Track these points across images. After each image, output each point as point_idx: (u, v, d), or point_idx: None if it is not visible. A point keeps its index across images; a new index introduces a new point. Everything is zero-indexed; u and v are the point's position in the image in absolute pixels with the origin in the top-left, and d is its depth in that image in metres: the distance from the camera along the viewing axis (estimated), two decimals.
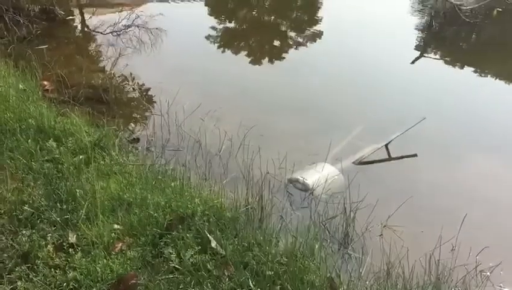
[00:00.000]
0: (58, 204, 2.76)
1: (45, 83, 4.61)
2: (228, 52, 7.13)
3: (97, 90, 4.58)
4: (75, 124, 3.66)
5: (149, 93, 5.07)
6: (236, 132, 4.04)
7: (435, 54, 7.46)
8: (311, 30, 8.31)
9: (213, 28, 7.96)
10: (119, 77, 5.35)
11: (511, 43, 7.96)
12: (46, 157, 3.20)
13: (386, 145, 4.18)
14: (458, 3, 8.42)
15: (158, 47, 6.50)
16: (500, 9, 8.67)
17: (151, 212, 2.73)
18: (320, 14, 9.46)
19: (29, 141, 3.30)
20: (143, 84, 5.25)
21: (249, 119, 4.29)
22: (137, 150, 3.72)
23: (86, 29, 7.62)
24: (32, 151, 3.19)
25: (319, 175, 3.49)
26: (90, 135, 3.60)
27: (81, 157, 3.22)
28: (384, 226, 3.13)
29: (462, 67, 6.98)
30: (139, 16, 7.35)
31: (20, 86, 4.22)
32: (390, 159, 4.15)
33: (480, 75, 6.62)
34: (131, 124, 4.17)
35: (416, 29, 8.35)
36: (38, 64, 4.76)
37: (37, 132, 3.47)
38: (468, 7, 8.55)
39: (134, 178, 3.12)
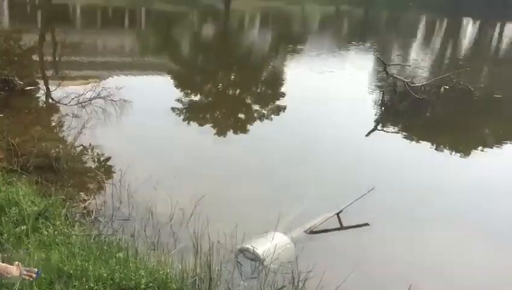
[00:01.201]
0: None
1: None
2: (190, 123, 7.26)
3: (49, 159, 4.51)
4: (21, 193, 3.57)
5: (104, 162, 5.05)
6: (189, 201, 4.02)
7: (388, 127, 7.78)
8: (275, 104, 8.60)
9: (178, 100, 8.13)
10: (77, 146, 5.32)
11: (457, 118, 8.41)
12: None
13: (338, 214, 4.22)
14: (408, 80, 8.96)
15: (122, 118, 6.57)
16: (446, 87, 9.26)
17: (92, 285, 2.63)
18: (284, 89, 9.85)
19: None
20: (100, 154, 5.24)
21: (202, 189, 4.29)
22: (84, 220, 3.62)
23: (50, 100, 7.66)
24: None
25: (270, 244, 3.47)
26: (36, 205, 3.50)
27: (23, 228, 3.12)
28: None
29: (412, 139, 7.29)
30: (105, 88, 7.47)
31: None
32: (342, 228, 4.18)
33: (429, 147, 6.91)
34: (82, 193, 4.09)
35: (372, 105, 8.75)
36: None
37: None
38: (417, 84, 9.10)
39: (77, 249, 3.02)
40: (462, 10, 45.25)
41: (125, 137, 5.97)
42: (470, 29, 34.19)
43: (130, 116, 6.69)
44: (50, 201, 3.61)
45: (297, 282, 3.05)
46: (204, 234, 3.47)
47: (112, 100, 7.13)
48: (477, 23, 38.59)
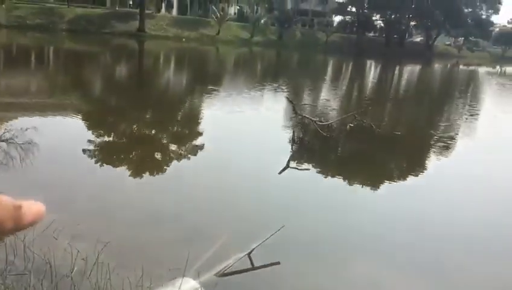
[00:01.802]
0: None
1: None
2: (103, 165, 6.97)
3: None
4: None
5: None
6: (93, 249, 3.80)
7: (299, 164, 8.02)
8: (191, 144, 8.57)
9: (90, 141, 7.81)
10: None
11: (363, 154, 8.91)
12: None
13: (249, 255, 4.21)
14: (316, 119, 9.37)
15: (26, 162, 6.15)
16: (352, 125, 9.81)
17: None
18: (200, 129, 9.86)
19: None
20: None
21: (108, 235, 4.09)
22: None
23: None
24: None
25: None
26: None
27: None
28: None
29: (322, 176, 7.57)
30: (8, 130, 7.01)
31: None
32: (253, 268, 4.16)
33: (338, 183, 7.21)
34: None
35: (283, 144, 9.00)
36: None
37: None
38: (325, 123, 9.55)
39: None
40: (364, 53, 48.88)
41: (28, 182, 5.58)
42: (372, 70, 36.86)
43: (35, 159, 6.29)
44: None
45: None
46: (108, 285, 3.29)
47: (16, 143, 6.69)
48: (379, 65, 41.77)
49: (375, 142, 9.56)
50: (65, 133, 8.50)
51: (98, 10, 42.93)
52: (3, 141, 6.74)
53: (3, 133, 6.93)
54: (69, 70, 18.99)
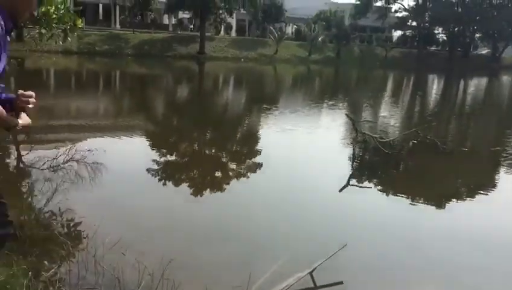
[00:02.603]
0: None
1: None
2: (166, 184, 7.20)
3: (13, 228, 4.36)
4: None
5: (73, 228, 4.92)
6: (158, 265, 3.92)
7: (360, 182, 7.87)
8: (250, 162, 8.69)
9: (154, 160, 8.12)
10: (45, 212, 5.19)
11: (427, 171, 8.60)
12: None
13: (311, 274, 4.16)
14: (377, 136, 9.19)
15: (95, 181, 6.48)
16: (415, 141, 9.52)
17: None
18: (258, 147, 9.99)
19: None
20: (69, 219, 5.11)
21: (173, 252, 4.22)
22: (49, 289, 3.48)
23: (21, 164, 7.55)
24: None
25: None
26: None
27: None
28: None
29: (384, 194, 7.38)
30: (78, 151, 7.43)
31: None
32: (315, 288, 4.11)
33: (401, 201, 6.99)
34: (45, 262, 3.95)
35: (344, 161, 8.90)
36: None
37: None
38: (386, 140, 9.34)
39: None
40: (426, 67, 47.48)
41: (96, 200, 5.87)
42: (435, 84, 35.70)
43: (103, 178, 6.61)
44: (11, 272, 3.47)
45: None
46: None
47: (85, 163, 7.09)
48: (442, 79, 40.37)
49: (440, 160, 9.21)
50: (131, 152, 8.86)
51: (161, 35, 44.76)
52: (74, 160, 7.15)
53: (74, 153, 7.34)
54: (134, 92, 19.88)
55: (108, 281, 3.77)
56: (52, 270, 3.67)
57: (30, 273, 3.68)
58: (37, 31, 8.41)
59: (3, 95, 2.54)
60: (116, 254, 4.03)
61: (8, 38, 2.41)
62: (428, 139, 9.48)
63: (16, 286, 3.27)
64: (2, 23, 2.30)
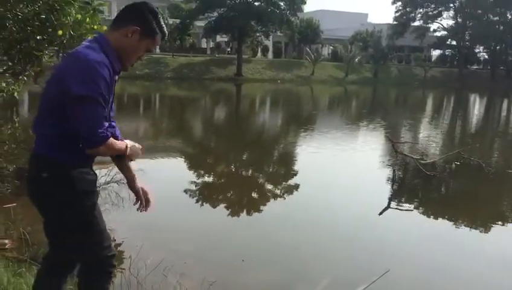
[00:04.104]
0: None
1: (6, 241, 4.56)
2: (203, 205, 7.27)
3: None
4: (30, 284, 3.54)
5: (115, 248, 5.01)
6: (199, 287, 3.94)
7: (401, 205, 7.70)
8: (287, 183, 8.68)
9: (192, 182, 8.22)
10: None
11: (471, 193, 8.33)
12: None
13: None
14: (418, 157, 9.01)
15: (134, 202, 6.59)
16: (457, 163, 9.26)
17: None
18: (295, 168, 9.97)
19: None
20: (112, 240, 5.20)
21: (213, 274, 4.23)
22: None
23: None
24: None
25: None
26: None
27: None
28: None
29: (426, 217, 7.19)
30: (119, 172, 7.58)
31: None
32: None
33: (445, 225, 6.79)
34: None
35: (383, 183, 8.74)
36: (2, 223, 4.79)
37: None
38: (428, 161, 9.13)
39: None
40: (467, 87, 46.36)
41: (137, 222, 5.95)
42: (477, 104, 34.77)
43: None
44: None
45: None
46: None
47: (126, 184, 7.21)
48: (484, 98, 39.29)
49: (485, 182, 8.91)
50: (170, 173, 9.00)
51: (199, 58, 45.75)
52: (114, 181, 7.30)
53: (115, 174, 7.51)
54: (172, 114, 20.30)
55: None
56: None
57: None
58: None
59: (119, 135, 2.72)
60: (158, 276, 4.07)
61: (116, 78, 2.48)
62: (471, 161, 9.21)
63: None
64: (110, 64, 2.35)
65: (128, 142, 2.70)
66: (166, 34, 2.56)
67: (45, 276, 2.70)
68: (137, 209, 2.86)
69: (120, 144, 2.62)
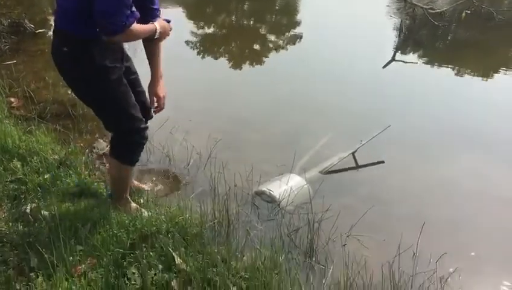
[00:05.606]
0: (21, 226, 2.76)
1: (12, 100, 4.58)
2: (204, 58, 7.14)
3: (65, 106, 4.55)
4: (41, 142, 3.65)
5: None
6: (205, 144, 4.07)
7: (406, 57, 7.58)
8: (290, 33, 8.43)
9: (192, 32, 7.97)
10: None
11: (482, 44, 8.14)
12: (10, 178, 3.19)
13: (353, 153, 4.24)
14: (427, 7, 8.58)
15: (135, 55, 6.45)
16: (468, 11, 8.86)
17: (115, 231, 2.74)
18: (299, 17, 9.59)
19: None
20: None
21: (218, 132, 4.32)
22: (104, 166, 3.71)
23: None
24: None
25: (286, 186, 3.53)
26: (56, 153, 3.59)
27: (46, 176, 3.22)
28: (348, 235, 3.18)
29: (432, 69, 7.14)
30: None
31: None
32: (357, 167, 4.21)
33: (449, 76, 6.77)
34: (99, 139, 4.15)
35: (389, 33, 8.48)
36: (5, 81, 4.75)
37: (2, 152, 3.45)
38: (437, 10, 8.72)
39: (99, 197, 3.13)
40: None
41: (141, 77, 5.90)
42: None
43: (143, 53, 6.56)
44: (70, 149, 3.69)
45: (313, 223, 3.12)
46: (221, 178, 3.55)
47: None
48: None
49: (494, 31, 8.63)
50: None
51: None
52: None
53: None
54: None
55: (159, 159, 3.98)
56: (107, 147, 3.85)
57: (87, 150, 3.92)
58: None
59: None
60: (164, 134, 4.17)
61: None
62: (483, 9, 8.80)
63: (75, 162, 3.48)
64: None
65: (157, 24, 2.68)
66: None
67: None
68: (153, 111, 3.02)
69: (145, 30, 2.59)
